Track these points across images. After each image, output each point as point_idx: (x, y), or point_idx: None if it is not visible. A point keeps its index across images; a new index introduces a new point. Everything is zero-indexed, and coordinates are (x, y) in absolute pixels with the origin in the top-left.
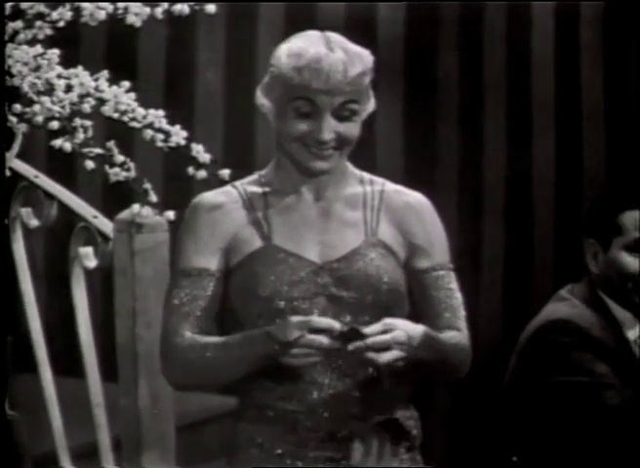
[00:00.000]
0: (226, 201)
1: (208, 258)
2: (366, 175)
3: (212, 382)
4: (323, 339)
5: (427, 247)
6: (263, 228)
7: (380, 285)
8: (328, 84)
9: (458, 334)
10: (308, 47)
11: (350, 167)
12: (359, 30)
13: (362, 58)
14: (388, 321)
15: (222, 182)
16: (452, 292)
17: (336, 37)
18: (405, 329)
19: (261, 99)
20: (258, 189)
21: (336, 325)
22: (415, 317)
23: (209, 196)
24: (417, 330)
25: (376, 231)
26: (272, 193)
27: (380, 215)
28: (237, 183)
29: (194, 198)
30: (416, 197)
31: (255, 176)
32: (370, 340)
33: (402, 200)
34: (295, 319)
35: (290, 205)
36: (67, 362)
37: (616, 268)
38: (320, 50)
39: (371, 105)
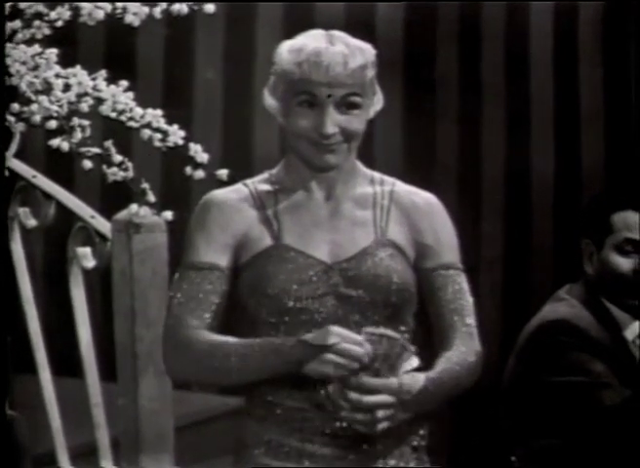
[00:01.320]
0: (237, 199)
1: (218, 254)
2: (376, 175)
3: (217, 381)
4: (358, 349)
5: (436, 246)
6: (274, 227)
7: (390, 285)
8: (328, 76)
9: (463, 348)
10: (309, 42)
11: (361, 166)
12: (358, 30)
13: (363, 51)
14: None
15: (220, 182)
16: (460, 292)
17: (339, 34)
18: (404, 377)
19: (268, 100)
20: (268, 188)
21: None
22: (422, 316)
23: (220, 193)
24: (417, 379)
25: (385, 231)
26: (282, 192)
27: (389, 215)
28: (248, 182)
29: (205, 195)
30: (426, 197)
31: (265, 175)
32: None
33: (411, 200)
34: (334, 328)
35: (300, 204)
36: (66, 362)
37: (607, 268)
38: (320, 44)
39: (377, 101)
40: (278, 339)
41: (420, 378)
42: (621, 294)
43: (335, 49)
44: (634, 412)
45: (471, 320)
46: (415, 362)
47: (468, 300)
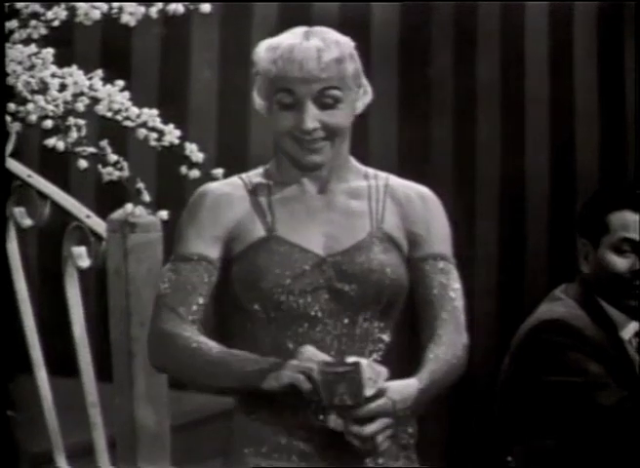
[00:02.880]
0: (231, 190)
1: (207, 246)
2: (370, 170)
3: (192, 382)
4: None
5: (427, 235)
6: (267, 218)
7: (384, 279)
8: (303, 71)
9: (450, 342)
10: (285, 39)
11: (354, 162)
12: (353, 30)
13: (339, 45)
14: (382, 385)
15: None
16: (449, 283)
17: (319, 29)
18: (395, 392)
19: (257, 100)
20: (262, 180)
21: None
22: (409, 306)
23: (214, 186)
24: (409, 390)
25: (381, 223)
26: (276, 185)
27: (385, 207)
28: (243, 175)
29: (199, 188)
30: (420, 190)
31: (260, 170)
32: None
33: (406, 192)
34: (291, 368)
35: (294, 196)
36: (62, 361)
37: (603, 268)
38: (295, 40)
39: (364, 94)
40: (255, 359)
41: (412, 388)
42: (618, 294)
43: (308, 44)
44: (630, 413)
45: (459, 312)
46: (383, 374)
47: (457, 293)
